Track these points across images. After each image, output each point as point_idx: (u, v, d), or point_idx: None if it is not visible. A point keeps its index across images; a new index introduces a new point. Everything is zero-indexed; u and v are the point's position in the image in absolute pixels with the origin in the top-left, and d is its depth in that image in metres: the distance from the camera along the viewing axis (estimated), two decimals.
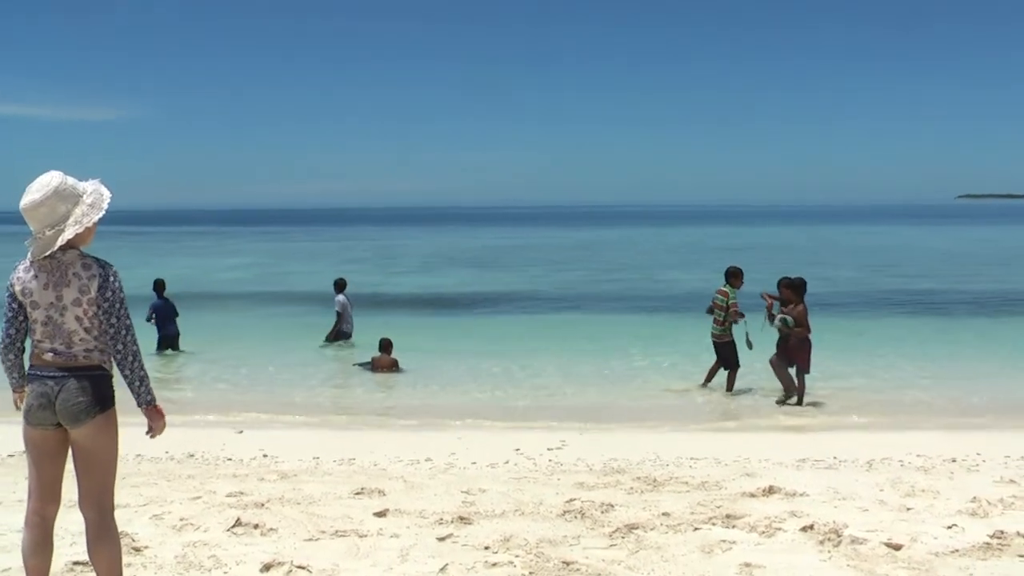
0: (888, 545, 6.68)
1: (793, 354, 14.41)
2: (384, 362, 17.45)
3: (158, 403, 5.11)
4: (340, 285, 21.13)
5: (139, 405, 5.06)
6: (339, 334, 20.78)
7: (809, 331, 14.39)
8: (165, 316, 19.69)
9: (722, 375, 15.46)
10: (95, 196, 5.01)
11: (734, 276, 15.48)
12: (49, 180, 4.91)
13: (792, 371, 14.48)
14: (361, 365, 17.68)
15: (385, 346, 17.66)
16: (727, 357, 15.36)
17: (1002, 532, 6.92)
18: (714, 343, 15.48)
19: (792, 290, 14.50)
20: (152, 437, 5.16)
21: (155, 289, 19.86)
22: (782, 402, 14.41)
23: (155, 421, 5.11)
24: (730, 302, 15.21)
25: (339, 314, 20.87)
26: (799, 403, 14.26)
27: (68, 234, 4.87)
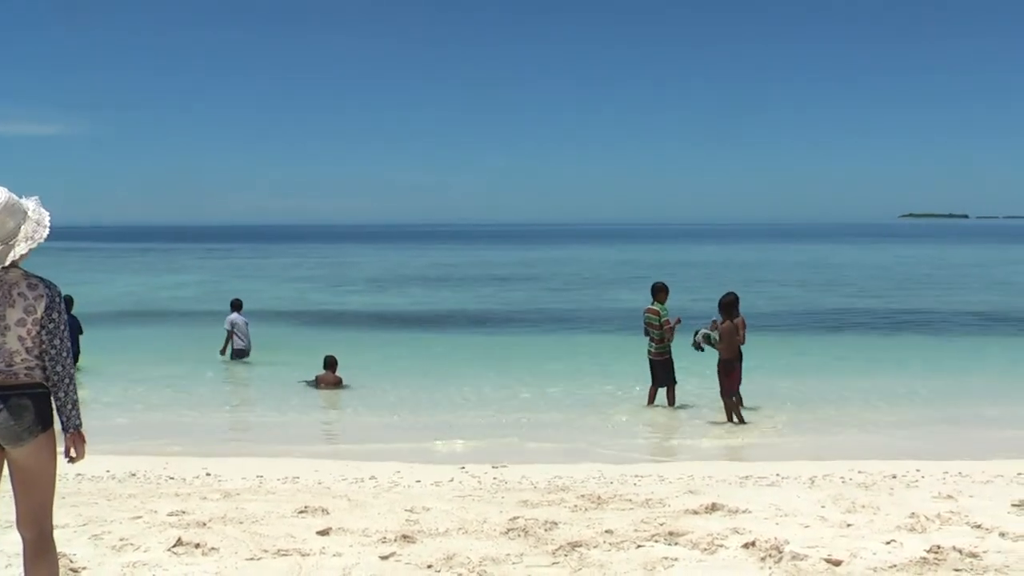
0: (828, 561, 6.75)
1: (719, 376, 14.50)
2: (329, 379, 17.39)
3: (83, 429, 5.05)
4: (235, 305, 21.42)
5: (65, 429, 4.98)
6: (236, 352, 20.96)
7: (735, 350, 14.41)
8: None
9: (663, 393, 15.49)
10: (38, 214, 4.96)
11: (660, 291, 15.65)
12: None
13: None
14: (306, 383, 17.60)
15: (330, 363, 17.62)
16: (664, 375, 15.41)
17: (939, 547, 7.02)
18: (651, 361, 15.53)
19: (721, 307, 14.57)
20: (71, 463, 5.08)
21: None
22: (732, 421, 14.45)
23: (79, 446, 5.03)
24: (663, 319, 15.32)
25: (228, 332, 21.05)
26: (739, 421, 14.34)
27: (22, 249, 4.81)
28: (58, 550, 5.25)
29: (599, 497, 8.99)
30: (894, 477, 10.10)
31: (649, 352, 15.54)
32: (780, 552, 6.95)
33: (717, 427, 14.31)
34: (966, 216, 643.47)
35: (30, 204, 4.97)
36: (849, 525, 7.87)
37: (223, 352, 21.03)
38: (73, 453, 5.04)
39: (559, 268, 66.76)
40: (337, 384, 17.32)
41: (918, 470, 10.48)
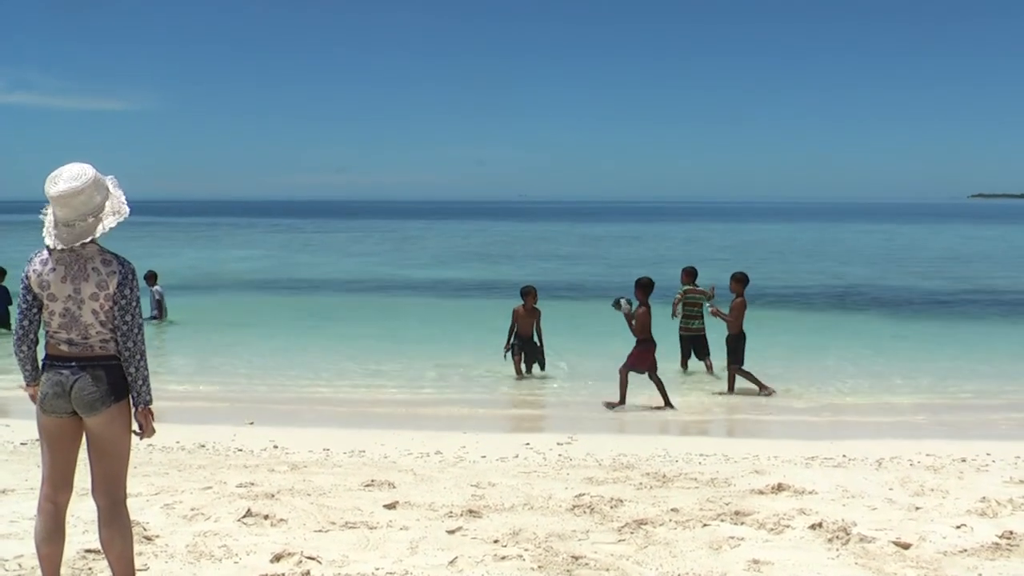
0: (896, 544, 6.69)
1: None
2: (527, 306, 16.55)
3: (152, 405, 5.14)
4: (154, 277, 22.59)
5: (135, 404, 5.09)
6: (153, 318, 22.10)
7: (644, 334, 14.10)
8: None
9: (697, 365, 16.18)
10: (118, 191, 5.08)
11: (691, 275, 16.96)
12: (83, 170, 4.94)
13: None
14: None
15: (528, 293, 16.73)
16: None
17: (1011, 532, 6.92)
18: (695, 338, 16.67)
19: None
20: (142, 439, 5.19)
21: None
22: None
23: (148, 422, 5.14)
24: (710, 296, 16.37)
25: (158, 300, 22.35)
26: (666, 405, 14.00)
27: (110, 223, 4.93)
28: (132, 518, 5.35)
29: (664, 475, 8.97)
30: (963, 461, 9.94)
31: (691, 328, 16.62)
32: (847, 534, 6.90)
33: (784, 406, 14.15)
34: None
35: (109, 181, 5.07)
36: (918, 508, 7.79)
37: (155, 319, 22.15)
38: (137, 428, 5.15)
39: (618, 244, 66.41)
40: (533, 315, 16.48)
41: (988, 454, 10.31)
